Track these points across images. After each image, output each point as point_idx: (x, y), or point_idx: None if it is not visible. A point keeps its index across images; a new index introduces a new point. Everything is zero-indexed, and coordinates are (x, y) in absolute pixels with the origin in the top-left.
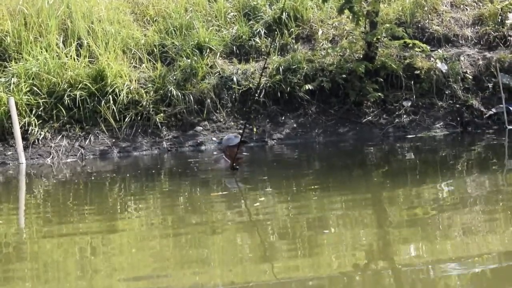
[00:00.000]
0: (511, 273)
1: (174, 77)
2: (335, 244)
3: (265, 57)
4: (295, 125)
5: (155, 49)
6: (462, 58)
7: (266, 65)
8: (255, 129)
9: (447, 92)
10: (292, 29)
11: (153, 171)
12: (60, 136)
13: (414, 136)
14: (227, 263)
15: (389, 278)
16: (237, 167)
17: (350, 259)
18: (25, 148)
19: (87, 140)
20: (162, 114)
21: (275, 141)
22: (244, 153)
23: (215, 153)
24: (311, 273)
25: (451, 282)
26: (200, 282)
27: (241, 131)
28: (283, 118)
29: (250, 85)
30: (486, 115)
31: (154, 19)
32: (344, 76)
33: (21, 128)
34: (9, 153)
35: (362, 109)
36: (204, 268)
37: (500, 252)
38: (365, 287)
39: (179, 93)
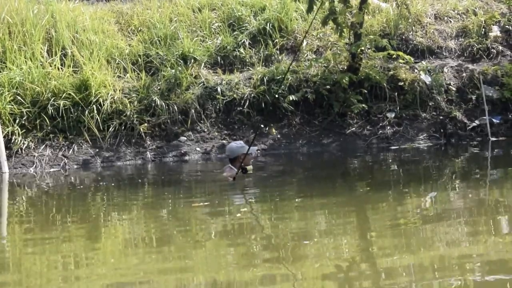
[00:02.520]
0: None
1: (158, 87)
2: (315, 254)
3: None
4: (279, 136)
5: (139, 59)
6: (445, 70)
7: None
8: (274, 130)
9: (430, 104)
10: (277, 40)
11: (138, 181)
12: (44, 146)
13: (397, 147)
14: (209, 270)
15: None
16: (244, 170)
17: (330, 268)
18: (8, 157)
19: (71, 150)
20: (146, 124)
21: (259, 151)
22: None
23: (198, 163)
24: (293, 279)
25: None
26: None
27: (224, 141)
28: (267, 128)
29: (235, 95)
30: (470, 127)
31: (139, 29)
32: (328, 87)
33: (4, 137)
34: None
35: (346, 120)
36: (187, 275)
37: (480, 262)
38: None
39: (163, 103)
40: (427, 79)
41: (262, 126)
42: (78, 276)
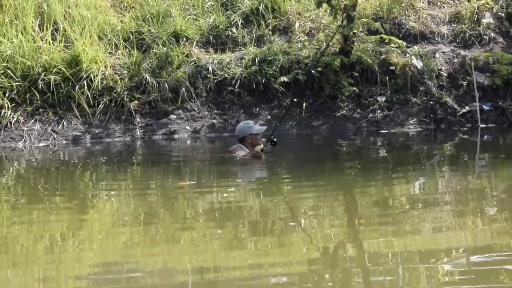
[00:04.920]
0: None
1: (150, 65)
2: (301, 236)
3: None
4: (269, 117)
5: (131, 35)
6: (437, 55)
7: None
8: (305, 104)
9: (421, 89)
10: (269, 21)
11: (127, 159)
12: (33, 120)
13: (387, 131)
14: (196, 250)
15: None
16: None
17: (315, 250)
18: None
19: (60, 125)
20: (136, 101)
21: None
22: (262, 140)
23: (188, 142)
24: (279, 260)
25: (419, 276)
26: (169, 267)
27: (214, 121)
28: (257, 109)
29: (226, 75)
30: (460, 113)
31: (131, 5)
32: (319, 69)
33: None
34: None
35: (336, 103)
36: (173, 255)
37: (466, 245)
38: (331, 277)
39: (154, 81)
40: (418, 64)
41: (295, 100)
42: (64, 255)
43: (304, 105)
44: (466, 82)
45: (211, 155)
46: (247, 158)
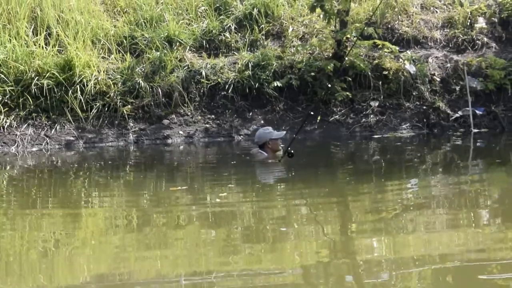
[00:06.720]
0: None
1: (143, 69)
2: (292, 241)
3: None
4: (262, 121)
5: (124, 40)
6: (430, 60)
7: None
8: (319, 118)
9: (414, 94)
10: (263, 25)
11: (120, 164)
12: (26, 125)
13: (380, 136)
14: (189, 255)
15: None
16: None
17: (307, 256)
18: None
19: (53, 130)
20: (129, 106)
21: (242, 136)
22: (281, 146)
23: (181, 147)
24: (272, 265)
25: (411, 280)
26: (162, 272)
27: (207, 125)
28: (250, 114)
29: (219, 80)
30: (453, 118)
31: (125, 10)
32: (312, 74)
33: None
34: None
35: (329, 108)
36: (166, 261)
37: (458, 249)
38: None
39: (147, 86)
40: (411, 68)
41: (312, 113)
42: (57, 261)
43: (318, 118)
44: (459, 87)
45: (223, 157)
46: (268, 162)
